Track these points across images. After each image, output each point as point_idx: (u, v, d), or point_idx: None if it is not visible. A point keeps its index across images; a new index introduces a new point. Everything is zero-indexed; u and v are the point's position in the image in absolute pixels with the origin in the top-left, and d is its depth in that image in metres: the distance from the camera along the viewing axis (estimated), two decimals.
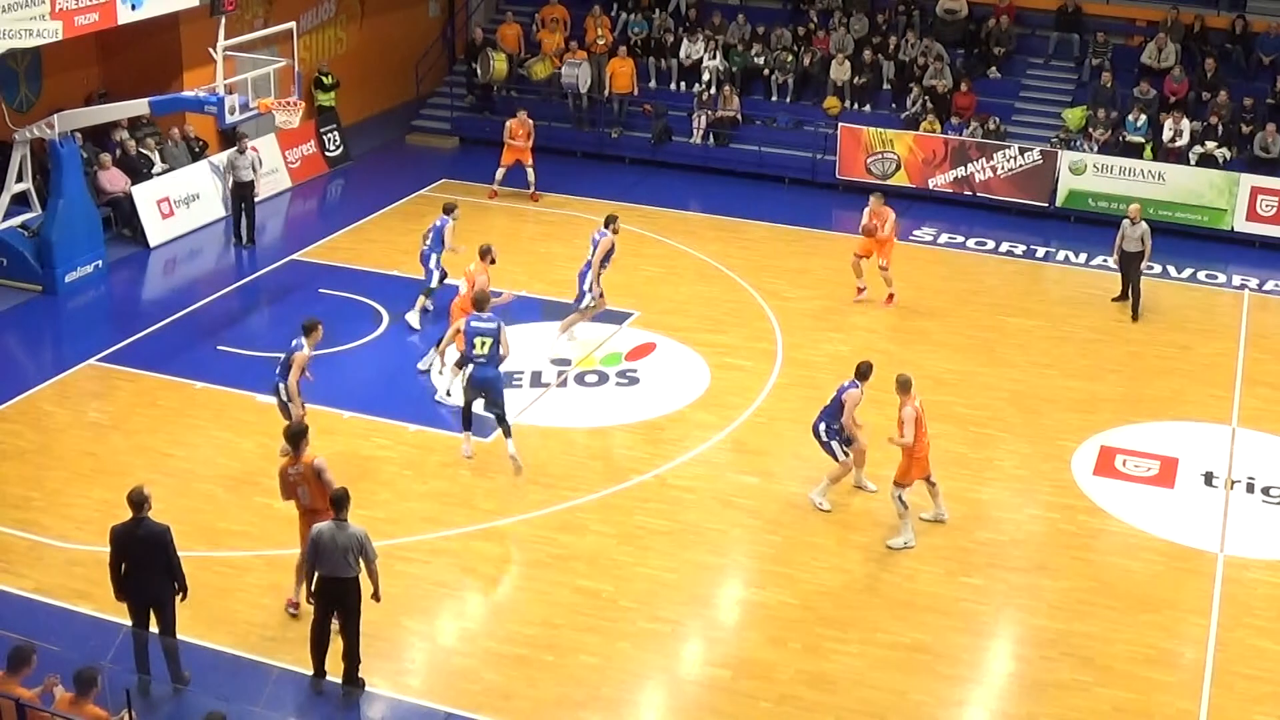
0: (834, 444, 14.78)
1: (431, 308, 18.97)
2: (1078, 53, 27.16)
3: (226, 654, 12.31)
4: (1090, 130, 25.07)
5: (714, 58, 27.44)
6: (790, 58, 27.37)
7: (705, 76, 27.40)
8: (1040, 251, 23.16)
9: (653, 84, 27.99)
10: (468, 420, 15.76)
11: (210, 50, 19.56)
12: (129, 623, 11.73)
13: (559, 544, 14.22)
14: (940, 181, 25.15)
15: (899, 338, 19.31)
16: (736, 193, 25.46)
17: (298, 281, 20.96)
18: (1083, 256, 22.80)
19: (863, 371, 14.80)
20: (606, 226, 18.56)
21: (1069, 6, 27.25)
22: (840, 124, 25.74)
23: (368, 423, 16.43)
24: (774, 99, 27.32)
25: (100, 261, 20.75)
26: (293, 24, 20.94)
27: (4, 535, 14.04)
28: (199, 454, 15.76)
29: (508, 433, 15.43)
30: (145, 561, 11.47)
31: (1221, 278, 22.26)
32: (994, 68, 27.07)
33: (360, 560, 11.54)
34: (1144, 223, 20.13)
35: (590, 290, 18.33)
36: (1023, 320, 20.19)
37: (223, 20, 19.61)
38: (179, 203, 22.68)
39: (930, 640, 12.88)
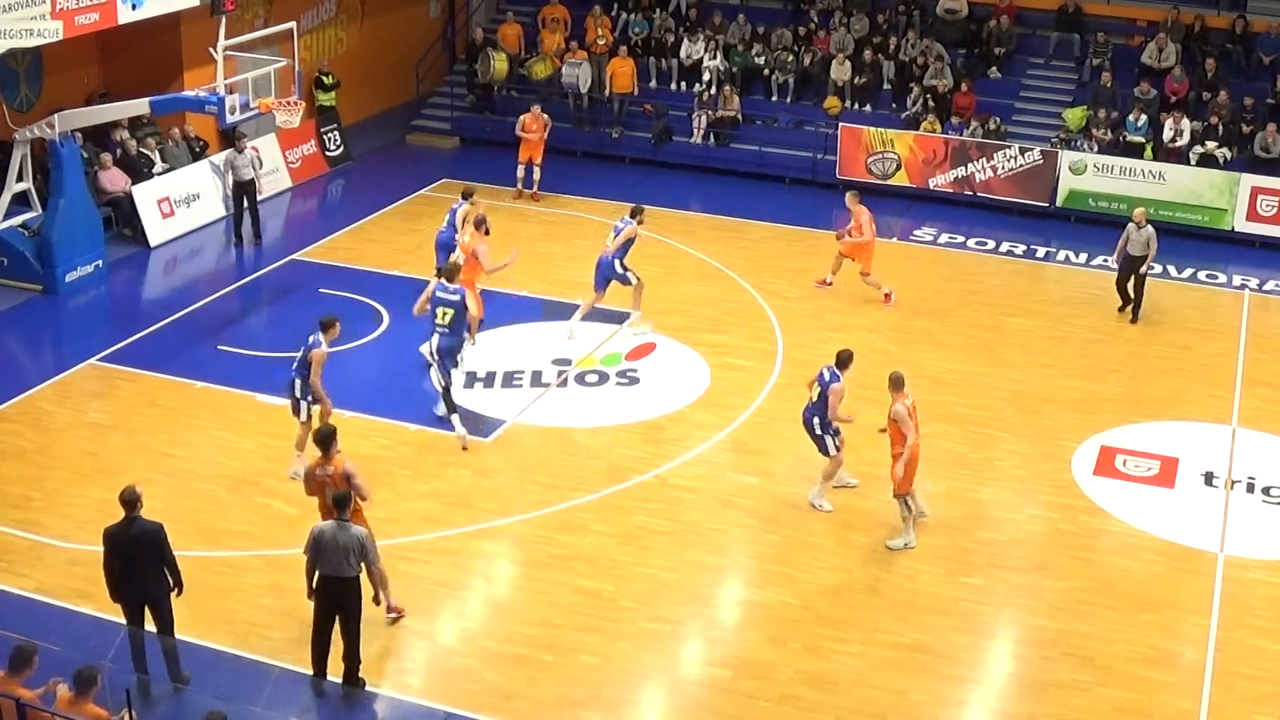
0: (827, 438, 14.76)
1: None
2: (1078, 53, 27.16)
3: (227, 654, 12.31)
4: (1091, 130, 25.07)
5: (714, 58, 27.44)
6: (791, 58, 27.38)
7: (706, 76, 27.41)
8: (1040, 251, 23.16)
9: (653, 84, 28.00)
10: (452, 404, 16.08)
11: (211, 50, 19.57)
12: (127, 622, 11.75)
13: (559, 544, 14.23)
14: (941, 181, 25.15)
15: (899, 337, 19.31)
16: (737, 193, 25.46)
17: (298, 281, 20.97)
18: (1083, 256, 22.80)
19: (843, 361, 14.72)
20: (632, 217, 18.83)
21: (1069, 6, 27.26)
22: (841, 124, 25.75)
23: (368, 422, 16.43)
24: (774, 99, 27.33)
25: (100, 261, 20.76)
26: (293, 24, 20.95)
27: (4, 535, 14.05)
28: (199, 454, 15.76)
29: (453, 408, 16.00)
30: (140, 560, 11.49)
31: (1222, 278, 22.26)
32: (994, 68, 27.07)
33: (361, 561, 11.55)
34: (1150, 227, 19.75)
35: (628, 271, 18.70)
36: (1023, 320, 20.19)
37: (223, 20, 19.63)
38: (179, 202, 22.69)
39: (930, 640, 12.88)
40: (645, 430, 16.64)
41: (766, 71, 27.41)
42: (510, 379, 17.70)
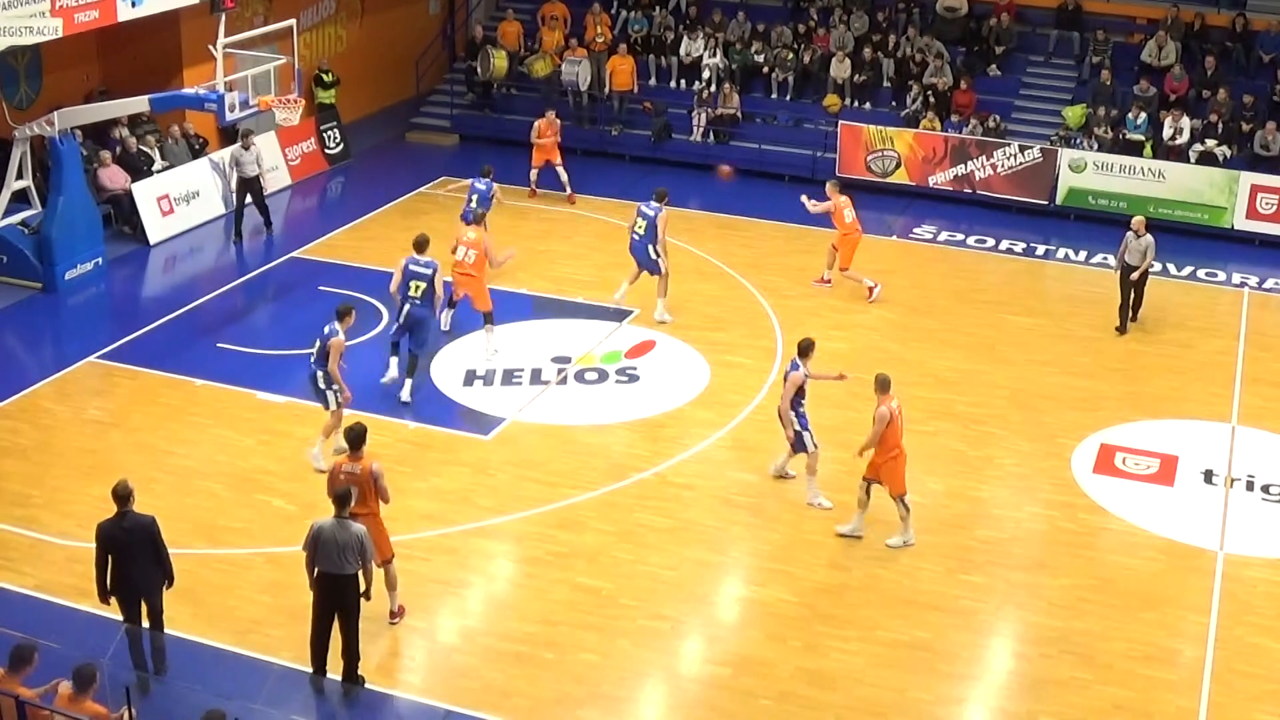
0: (804, 434, 14.78)
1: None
2: (1078, 50, 27.16)
3: (227, 651, 12.31)
4: (1091, 128, 25.06)
5: (714, 55, 27.44)
6: (790, 55, 27.37)
7: (705, 74, 27.41)
8: (1040, 249, 23.16)
9: (653, 81, 28.00)
10: (396, 351, 17.02)
11: (210, 47, 19.56)
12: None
13: (559, 541, 14.23)
14: (940, 179, 25.14)
15: (899, 335, 19.31)
16: (737, 190, 25.44)
17: (298, 279, 20.97)
18: (1083, 254, 22.80)
19: (803, 349, 14.81)
20: (660, 201, 19.17)
21: (1069, 4, 27.25)
22: (840, 122, 25.74)
23: (367, 420, 16.33)
24: (774, 97, 27.33)
25: (100, 259, 20.76)
26: (293, 21, 20.92)
27: (4, 532, 14.05)
28: (199, 451, 15.76)
29: (411, 373, 16.79)
30: (134, 554, 11.51)
31: (1221, 276, 22.25)
32: (994, 65, 27.06)
33: (359, 558, 11.54)
34: (1149, 235, 19.31)
35: (661, 257, 19.08)
36: (1023, 318, 20.19)
37: (223, 18, 19.60)
38: (179, 200, 22.68)
39: (930, 638, 12.89)
40: (645, 428, 16.64)
41: (766, 69, 27.40)
42: (510, 377, 17.70)
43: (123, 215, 22.16)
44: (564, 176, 24.23)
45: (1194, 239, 23.42)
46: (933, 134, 25.20)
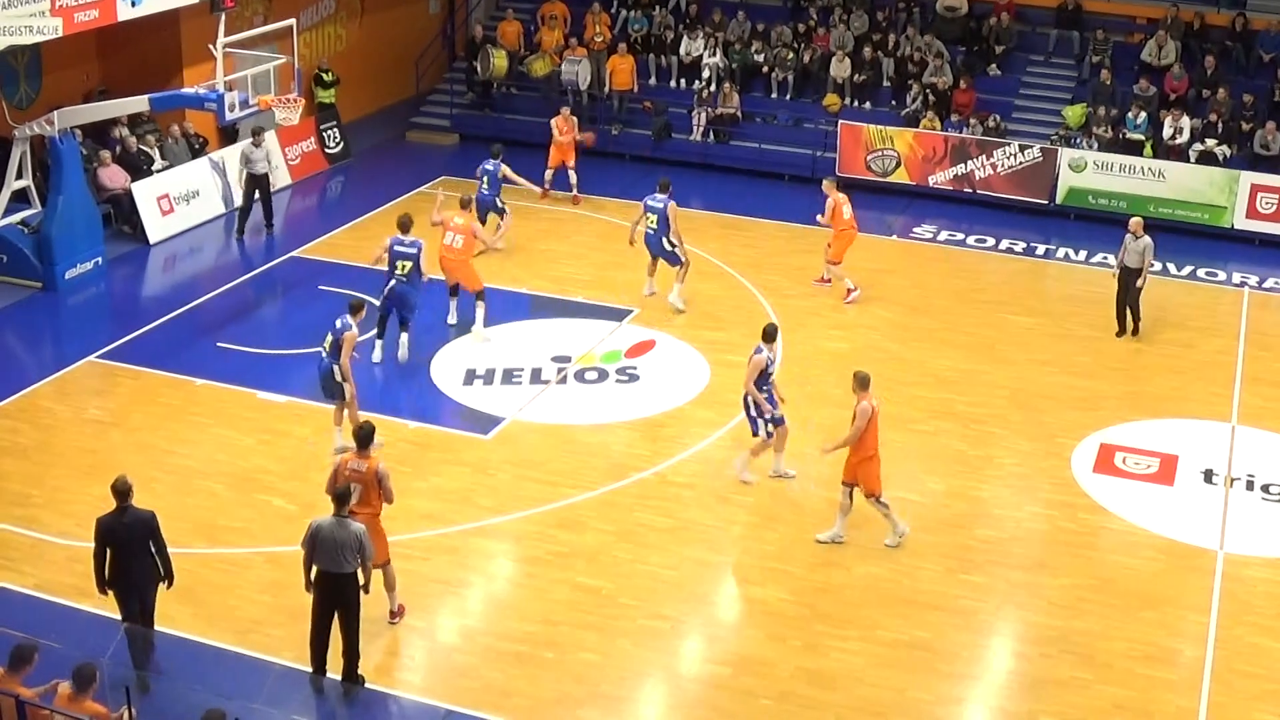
0: (759, 420, 14.92)
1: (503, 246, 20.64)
2: (1078, 50, 27.16)
3: (227, 651, 12.31)
4: (1090, 128, 25.06)
5: (714, 55, 27.43)
6: (790, 55, 27.36)
7: (705, 73, 27.40)
8: (1040, 249, 23.16)
9: (653, 81, 27.99)
10: (381, 328, 17.47)
11: (210, 47, 19.54)
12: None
13: (559, 541, 14.23)
14: (940, 179, 25.14)
15: (899, 335, 19.31)
16: (737, 190, 25.45)
17: (298, 278, 20.97)
18: (1083, 254, 22.80)
19: (768, 334, 14.96)
20: (664, 192, 19.34)
21: (1069, 4, 27.25)
22: (840, 121, 25.74)
23: (367, 419, 16.40)
24: (774, 96, 27.32)
25: (100, 258, 20.75)
26: (293, 21, 20.91)
27: (4, 532, 14.05)
28: (199, 451, 15.76)
29: (404, 328, 17.47)
30: (133, 549, 11.52)
31: (1221, 275, 22.25)
32: (994, 65, 27.06)
33: (358, 557, 11.54)
34: (1147, 237, 19.04)
35: (678, 246, 19.33)
36: (1023, 318, 20.19)
37: (223, 17, 19.59)
38: (179, 199, 22.68)
39: (930, 638, 12.89)
40: (645, 427, 16.64)
41: (766, 69, 27.40)
42: (510, 376, 17.70)
43: (123, 215, 22.16)
44: (573, 178, 24.22)
45: (1194, 238, 23.42)
46: (933, 133, 25.20)
